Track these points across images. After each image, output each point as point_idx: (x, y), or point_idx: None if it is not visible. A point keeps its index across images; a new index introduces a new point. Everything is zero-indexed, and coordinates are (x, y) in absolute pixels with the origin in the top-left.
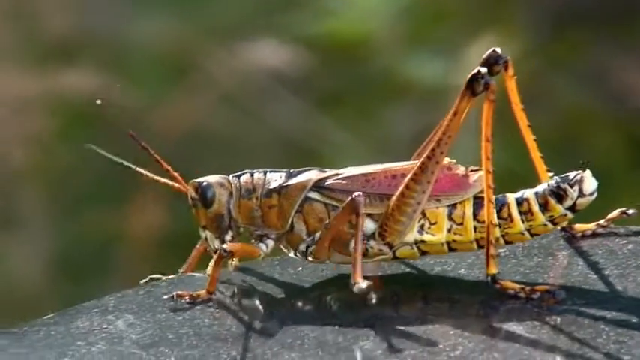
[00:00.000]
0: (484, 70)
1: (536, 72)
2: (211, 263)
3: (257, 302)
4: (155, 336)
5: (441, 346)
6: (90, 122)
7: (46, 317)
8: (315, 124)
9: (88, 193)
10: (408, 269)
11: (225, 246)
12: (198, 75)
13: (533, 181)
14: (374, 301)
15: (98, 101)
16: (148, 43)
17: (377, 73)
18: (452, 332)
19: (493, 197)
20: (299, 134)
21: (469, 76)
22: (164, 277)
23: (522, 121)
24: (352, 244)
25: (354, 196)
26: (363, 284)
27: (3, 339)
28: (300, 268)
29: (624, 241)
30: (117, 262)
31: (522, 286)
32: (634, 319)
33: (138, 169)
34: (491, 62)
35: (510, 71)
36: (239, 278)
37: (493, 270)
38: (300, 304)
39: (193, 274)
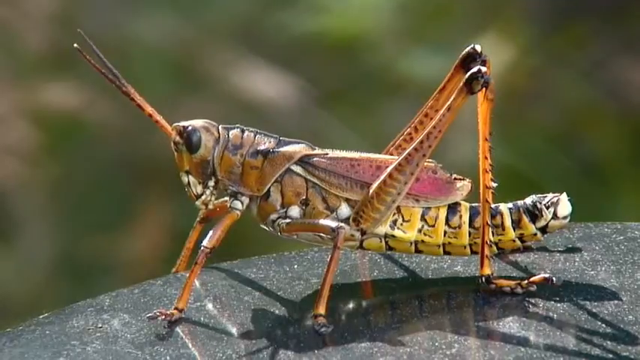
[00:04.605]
0: (484, 69)
1: (538, 68)
2: (193, 267)
3: (252, 301)
4: (150, 335)
5: (437, 344)
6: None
7: (41, 317)
8: (315, 120)
9: (82, 203)
10: (404, 266)
11: (205, 244)
12: (201, 76)
13: (533, 181)
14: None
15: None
16: (149, 45)
17: (375, 70)
18: (448, 330)
19: (490, 197)
20: (299, 130)
21: (468, 74)
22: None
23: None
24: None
25: (335, 226)
26: (322, 329)
27: None
28: (295, 266)
29: (621, 237)
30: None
31: (518, 281)
32: (630, 316)
33: (132, 95)
34: (469, 60)
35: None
36: (236, 275)
37: (487, 271)
38: (294, 303)
39: (185, 274)
